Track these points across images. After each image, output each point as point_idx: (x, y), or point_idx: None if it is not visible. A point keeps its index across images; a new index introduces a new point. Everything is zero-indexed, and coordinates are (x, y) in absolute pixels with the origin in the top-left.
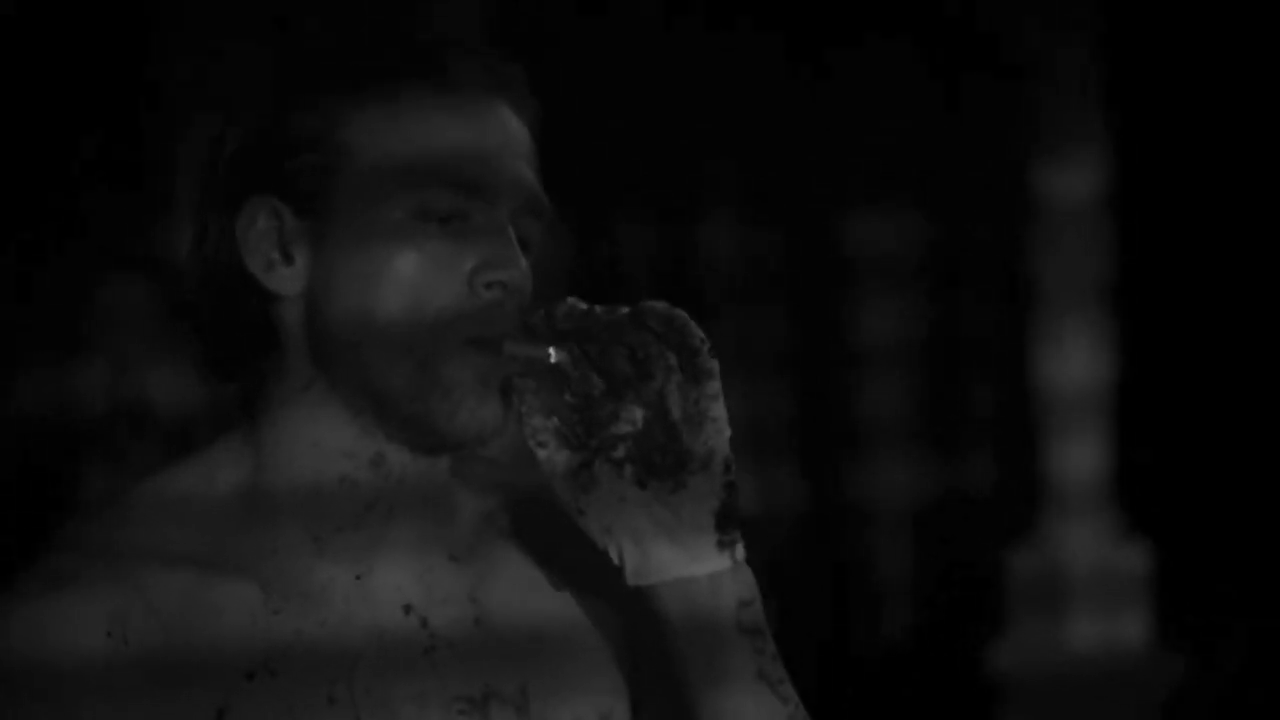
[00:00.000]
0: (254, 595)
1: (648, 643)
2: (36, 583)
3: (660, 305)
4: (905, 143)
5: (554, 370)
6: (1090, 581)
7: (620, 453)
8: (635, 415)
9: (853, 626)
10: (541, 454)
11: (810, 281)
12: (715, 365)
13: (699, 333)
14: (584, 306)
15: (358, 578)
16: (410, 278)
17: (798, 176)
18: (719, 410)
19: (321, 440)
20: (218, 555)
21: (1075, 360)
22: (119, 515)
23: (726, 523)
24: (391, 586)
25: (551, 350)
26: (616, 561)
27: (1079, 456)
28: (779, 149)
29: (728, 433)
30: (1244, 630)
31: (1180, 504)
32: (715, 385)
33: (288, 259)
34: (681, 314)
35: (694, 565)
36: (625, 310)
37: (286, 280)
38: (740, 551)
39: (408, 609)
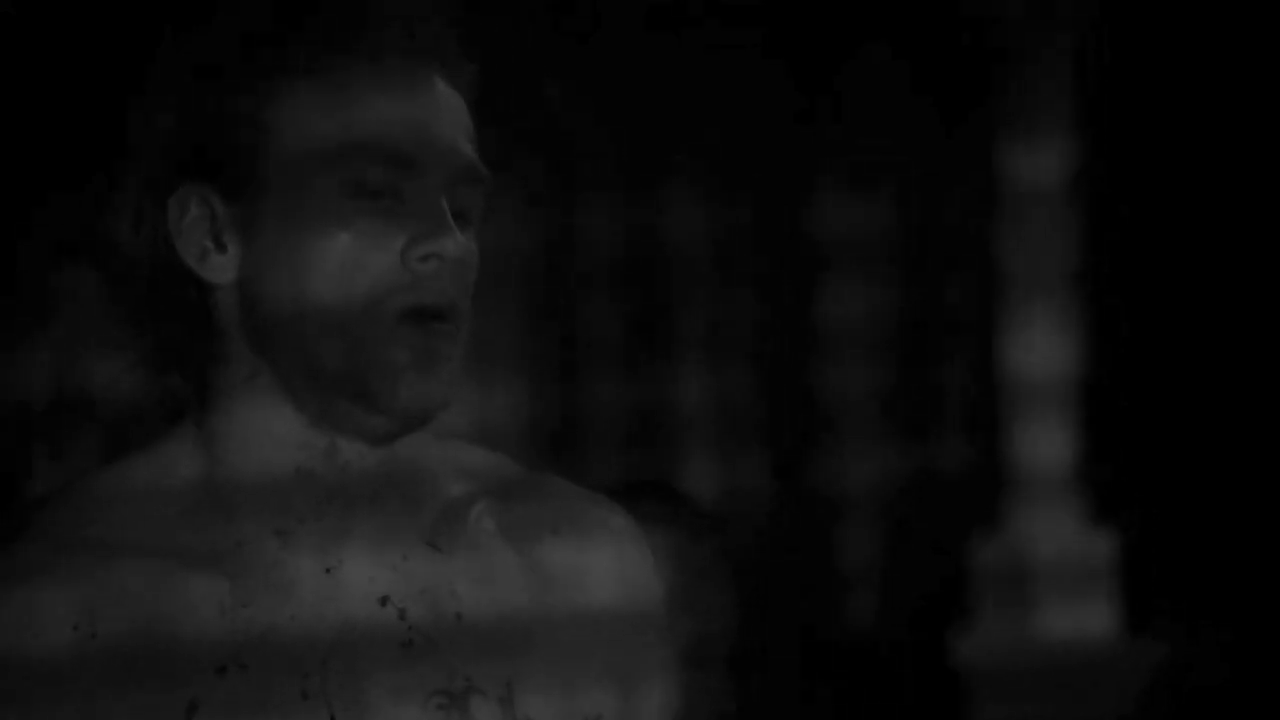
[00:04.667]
0: (222, 588)
1: (639, 641)
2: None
3: None
4: (873, 126)
5: None
6: (1057, 569)
7: None
8: None
9: (818, 614)
10: None
11: (776, 265)
12: None
13: None
14: None
15: (328, 570)
16: (341, 258)
17: (764, 157)
18: None
19: (273, 431)
20: (182, 547)
21: (1042, 346)
22: (78, 506)
23: None
24: (364, 578)
25: None
26: None
27: (1046, 443)
28: (745, 130)
29: None
30: (1212, 617)
31: (1148, 491)
32: None
33: (220, 247)
34: None
35: None
36: None
37: (219, 269)
38: None
39: (384, 600)
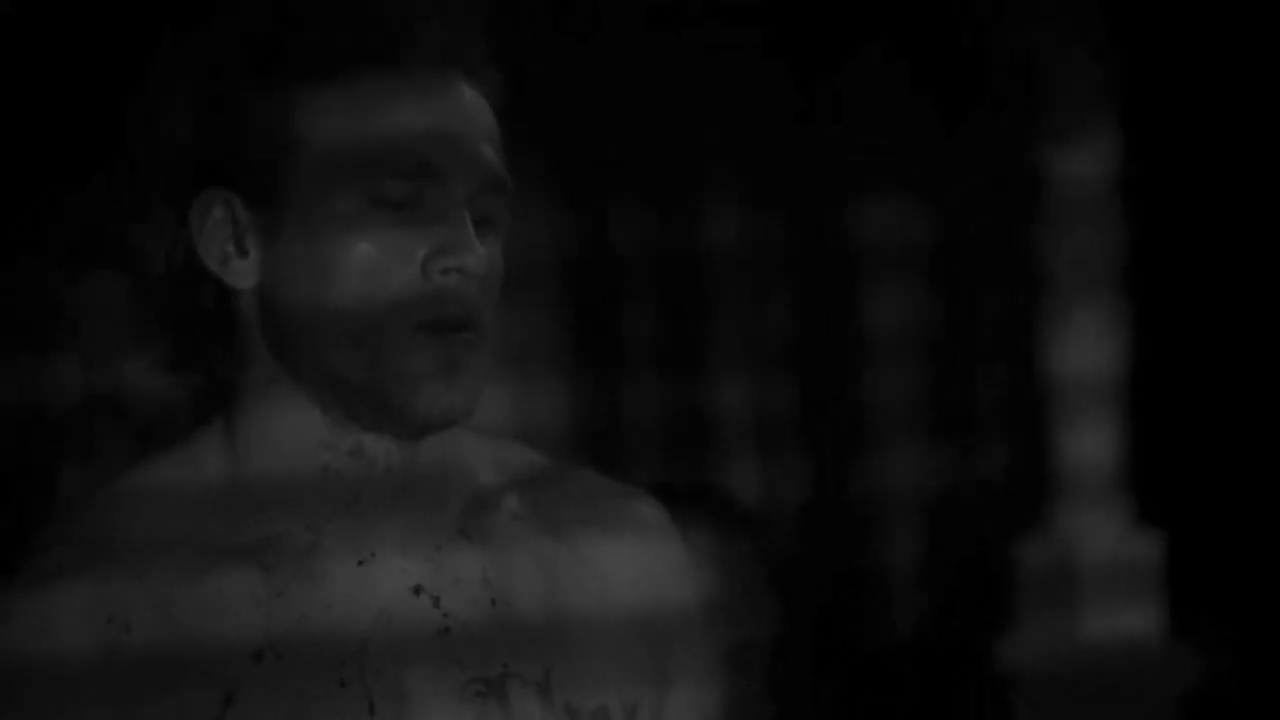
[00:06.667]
0: (255, 579)
1: (673, 630)
2: (35, 575)
3: None
4: (913, 129)
5: None
6: (1102, 573)
7: None
8: None
9: (861, 619)
10: None
11: (816, 269)
12: None
13: None
14: None
15: (360, 563)
16: (362, 268)
17: (802, 163)
18: None
19: (297, 432)
20: (213, 542)
21: (1087, 347)
22: (110, 506)
23: None
24: (396, 569)
25: None
26: None
27: (1091, 445)
28: (783, 135)
29: None
30: (1257, 622)
31: (1194, 493)
32: None
33: (242, 252)
34: None
35: None
36: None
37: (241, 274)
38: None
39: (417, 590)
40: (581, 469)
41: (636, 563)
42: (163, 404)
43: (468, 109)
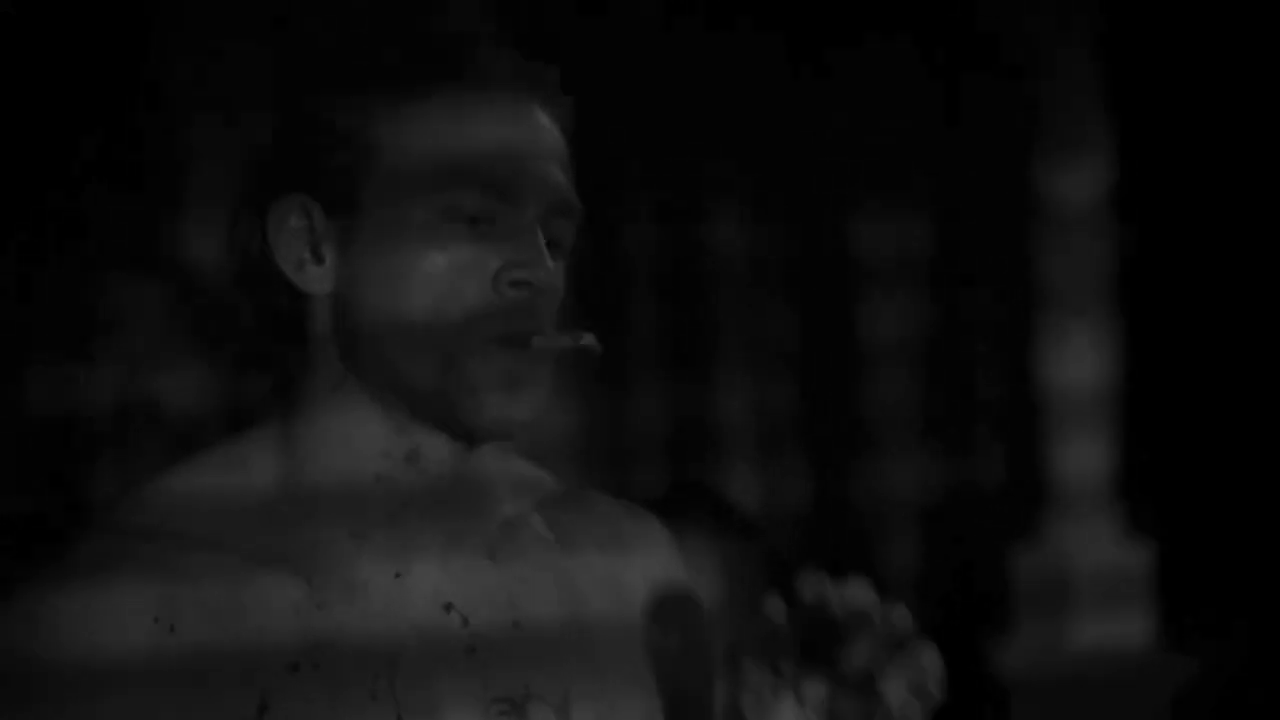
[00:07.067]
0: (298, 587)
1: (688, 655)
2: (84, 564)
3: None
4: (910, 142)
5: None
6: (1095, 581)
7: None
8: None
9: None
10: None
11: (815, 280)
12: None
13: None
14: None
15: (397, 575)
16: (436, 279)
17: (803, 174)
18: None
19: (356, 438)
20: (259, 546)
21: (1080, 359)
22: (156, 500)
23: None
24: (430, 585)
25: (585, 335)
26: None
27: (1084, 455)
28: (784, 147)
29: None
30: (1247, 629)
31: (1185, 503)
32: None
33: (318, 258)
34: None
35: None
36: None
37: (316, 279)
38: None
39: (448, 608)
40: (592, 491)
41: (652, 585)
42: (200, 410)
43: (542, 133)
